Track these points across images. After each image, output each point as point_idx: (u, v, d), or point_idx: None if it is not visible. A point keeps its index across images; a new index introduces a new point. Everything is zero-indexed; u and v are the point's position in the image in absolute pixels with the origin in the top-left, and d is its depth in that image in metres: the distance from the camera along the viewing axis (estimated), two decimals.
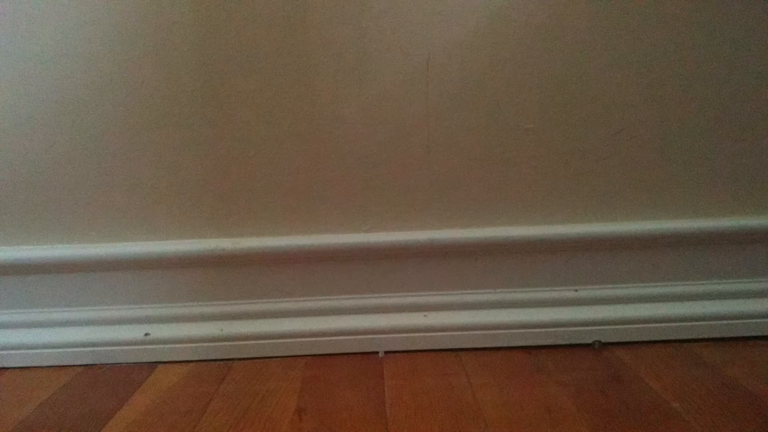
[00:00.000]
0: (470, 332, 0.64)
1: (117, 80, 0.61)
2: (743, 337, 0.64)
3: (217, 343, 0.63)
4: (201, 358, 0.63)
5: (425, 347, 0.64)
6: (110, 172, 0.63)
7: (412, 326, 0.64)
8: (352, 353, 0.64)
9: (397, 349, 0.64)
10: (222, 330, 0.64)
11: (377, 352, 0.64)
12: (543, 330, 0.64)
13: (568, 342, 0.64)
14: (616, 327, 0.63)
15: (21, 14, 0.59)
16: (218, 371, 0.61)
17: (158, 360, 0.63)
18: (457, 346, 0.64)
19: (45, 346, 0.64)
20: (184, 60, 0.60)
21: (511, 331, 0.64)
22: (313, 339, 0.64)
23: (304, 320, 0.64)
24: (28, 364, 0.64)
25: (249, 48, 0.60)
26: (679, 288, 0.65)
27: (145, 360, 0.63)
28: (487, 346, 0.64)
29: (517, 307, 0.65)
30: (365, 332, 0.64)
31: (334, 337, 0.64)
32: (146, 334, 0.64)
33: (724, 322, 0.63)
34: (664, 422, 0.48)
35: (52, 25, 0.59)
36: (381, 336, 0.64)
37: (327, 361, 0.63)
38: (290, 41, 0.60)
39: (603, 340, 0.63)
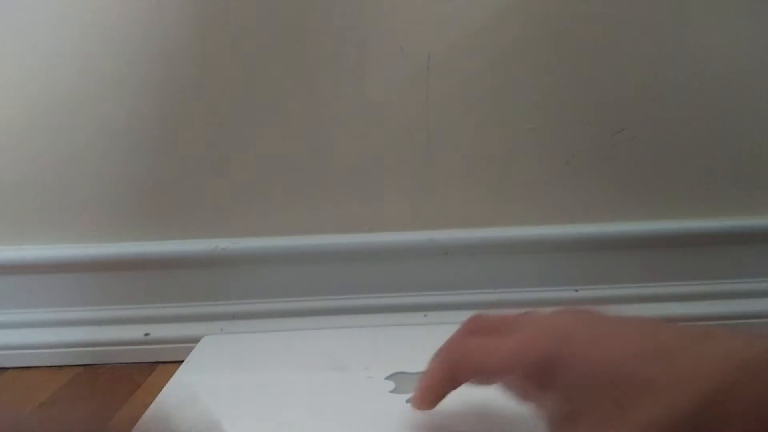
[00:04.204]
0: None
1: (117, 80, 0.60)
2: None
3: None
4: None
5: None
6: (110, 172, 0.63)
7: None
8: None
9: None
10: (222, 330, 0.64)
11: None
12: None
13: None
14: None
15: (22, 14, 0.59)
16: None
17: (158, 360, 0.63)
18: None
19: (45, 346, 0.64)
20: (184, 60, 0.60)
21: None
22: None
23: (304, 320, 0.64)
24: (28, 364, 0.64)
25: (249, 49, 0.60)
26: (679, 288, 0.64)
27: (145, 360, 0.63)
28: None
29: (517, 307, 0.64)
30: None
31: None
32: (146, 334, 0.64)
33: (724, 322, 0.63)
34: None
35: (53, 25, 0.59)
36: None
37: None
38: (290, 41, 0.60)
39: None
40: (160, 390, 0.44)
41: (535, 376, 0.26)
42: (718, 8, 0.60)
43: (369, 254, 0.64)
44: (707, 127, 0.62)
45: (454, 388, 0.32)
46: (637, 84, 0.61)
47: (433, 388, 0.32)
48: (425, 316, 0.64)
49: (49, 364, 0.64)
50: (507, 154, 0.63)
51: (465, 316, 0.64)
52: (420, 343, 0.49)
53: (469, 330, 0.33)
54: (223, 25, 0.60)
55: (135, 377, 0.60)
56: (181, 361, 0.50)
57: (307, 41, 0.60)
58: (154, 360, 0.63)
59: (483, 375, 0.30)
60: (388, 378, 0.42)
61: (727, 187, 0.64)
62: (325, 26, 0.60)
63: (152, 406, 0.41)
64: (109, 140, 0.62)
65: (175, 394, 0.43)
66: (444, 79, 0.61)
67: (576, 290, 0.65)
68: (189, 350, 0.52)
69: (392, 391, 0.40)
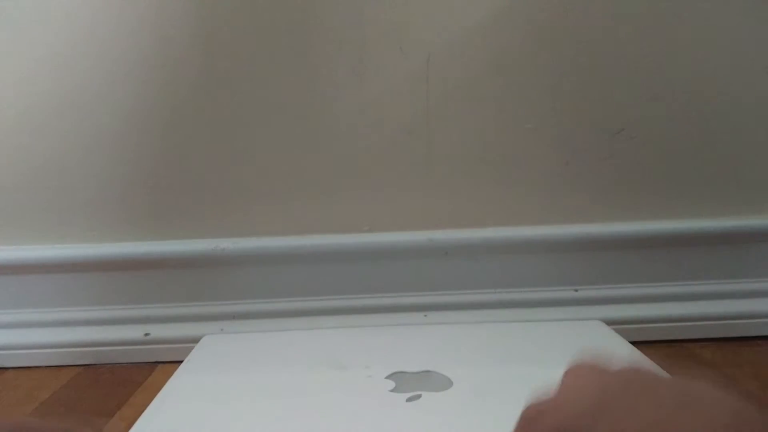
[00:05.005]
0: None
1: (117, 80, 0.60)
2: (743, 337, 0.64)
3: None
4: None
5: None
6: (110, 172, 0.63)
7: None
8: None
9: None
10: (222, 330, 0.64)
11: None
12: None
13: None
14: (616, 327, 0.63)
15: (22, 15, 0.59)
16: None
17: (158, 360, 0.63)
18: None
19: (45, 346, 0.64)
20: (185, 60, 0.60)
21: None
22: None
23: (305, 320, 0.64)
24: (28, 364, 0.64)
25: (249, 48, 0.60)
26: (679, 288, 0.64)
27: (145, 360, 0.63)
28: None
29: (517, 307, 0.65)
30: None
31: None
32: (146, 334, 0.64)
33: (724, 322, 0.63)
34: None
35: (52, 25, 0.59)
36: None
37: None
38: (290, 41, 0.60)
39: None
40: (160, 390, 0.44)
41: None
42: (719, 8, 0.60)
43: (369, 254, 0.64)
44: (707, 128, 0.62)
45: None
46: (637, 84, 0.61)
47: None
48: (425, 316, 0.64)
49: (49, 364, 0.64)
50: (507, 154, 0.63)
51: (465, 316, 0.64)
52: (420, 343, 0.50)
53: None
54: (223, 25, 0.60)
55: (135, 377, 0.60)
56: (181, 361, 0.50)
57: (307, 41, 0.60)
58: (154, 360, 0.63)
59: None
60: (388, 377, 0.42)
61: (727, 187, 0.64)
62: (325, 26, 0.60)
63: (151, 405, 0.41)
64: (109, 141, 0.62)
65: (175, 393, 0.43)
66: (444, 79, 0.61)
67: (576, 290, 0.65)
68: (189, 350, 0.52)
69: (392, 390, 0.40)
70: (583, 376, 0.23)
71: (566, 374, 0.24)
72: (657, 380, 0.21)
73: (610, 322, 0.56)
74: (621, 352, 0.48)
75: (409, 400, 0.38)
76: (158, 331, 0.64)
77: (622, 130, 0.62)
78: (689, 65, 0.61)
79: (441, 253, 0.64)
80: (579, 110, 0.62)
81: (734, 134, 0.62)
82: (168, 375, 0.47)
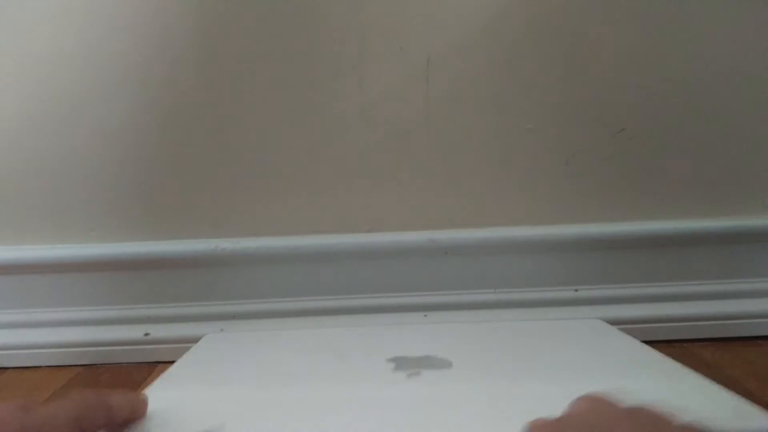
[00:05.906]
0: None
1: (117, 80, 0.61)
2: (743, 337, 0.64)
3: None
4: None
5: None
6: (110, 172, 0.63)
7: None
8: None
9: None
10: (222, 330, 0.64)
11: None
12: None
13: None
14: (617, 327, 0.63)
15: (22, 14, 0.59)
16: None
17: (158, 360, 0.63)
18: None
19: (45, 346, 0.64)
20: (184, 60, 0.60)
21: None
22: None
23: (304, 320, 0.64)
24: (28, 364, 0.64)
25: (249, 48, 0.60)
26: (679, 288, 0.64)
27: (145, 360, 0.63)
28: None
29: (517, 307, 0.65)
30: None
31: None
32: (146, 334, 0.64)
33: (724, 322, 0.63)
34: None
35: (53, 24, 0.59)
36: None
37: None
38: (290, 41, 0.60)
39: None
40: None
41: None
42: (718, 8, 0.60)
43: (369, 254, 0.64)
44: (707, 128, 0.62)
45: None
46: (637, 84, 0.61)
47: None
48: (425, 316, 0.64)
49: (49, 364, 0.64)
50: (507, 154, 0.63)
51: (465, 316, 0.64)
52: (420, 340, 0.50)
53: None
54: (222, 25, 0.60)
55: (135, 377, 0.60)
56: None
57: (307, 41, 0.60)
58: (154, 360, 0.63)
59: None
60: (389, 360, 0.42)
61: (727, 187, 0.64)
62: (325, 26, 0.60)
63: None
64: (109, 140, 0.62)
65: (173, 392, 0.43)
66: (444, 79, 0.61)
67: (576, 290, 0.65)
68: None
69: (394, 370, 0.41)
70: (593, 402, 0.24)
71: (577, 400, 0.25)
72: (664, 421, 0.22)
73: (610, 322, 0.56)
74: (623, 347, 0.48)
75: (409, 376, 0.39)
76: (158, 331, 0.64)
77: (622, 130, 0.62)
78: (689, 65, 0.61)
79: (441, 253, 0.64)
80: (579, 110, 0.62)
81: (734, 134, 0.62)
82: None
